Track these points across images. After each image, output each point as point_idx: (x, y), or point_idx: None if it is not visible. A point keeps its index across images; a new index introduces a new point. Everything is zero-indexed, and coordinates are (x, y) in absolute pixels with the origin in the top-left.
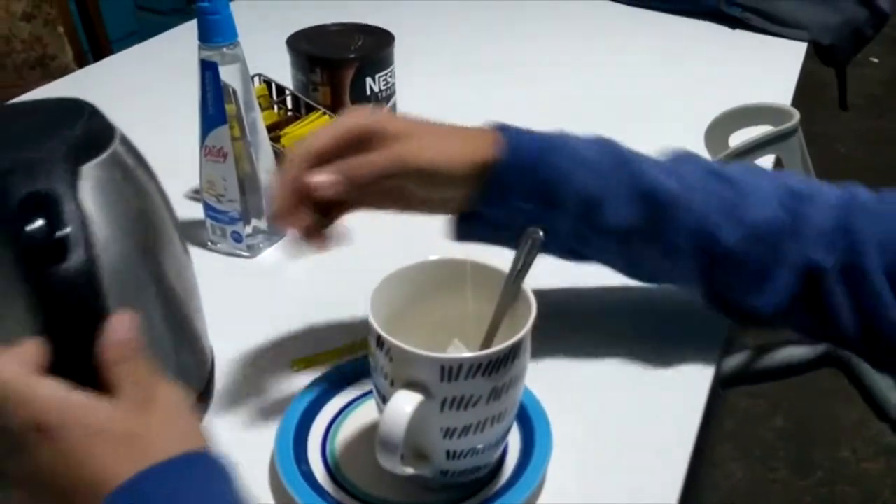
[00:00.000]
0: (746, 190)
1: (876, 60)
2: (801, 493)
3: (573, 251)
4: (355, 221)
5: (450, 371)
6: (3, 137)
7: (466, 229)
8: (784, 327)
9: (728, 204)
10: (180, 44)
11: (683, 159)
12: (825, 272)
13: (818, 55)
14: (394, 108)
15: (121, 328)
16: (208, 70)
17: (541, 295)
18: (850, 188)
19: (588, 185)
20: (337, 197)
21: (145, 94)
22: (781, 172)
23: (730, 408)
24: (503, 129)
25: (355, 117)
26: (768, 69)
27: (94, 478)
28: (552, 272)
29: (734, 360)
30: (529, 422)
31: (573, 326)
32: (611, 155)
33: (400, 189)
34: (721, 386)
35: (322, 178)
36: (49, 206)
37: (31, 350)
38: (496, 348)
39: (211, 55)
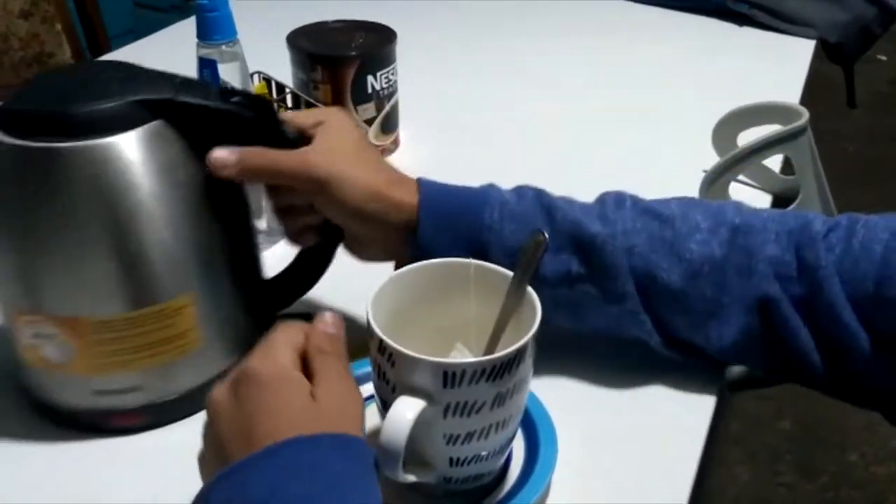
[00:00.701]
0: (683, 228)
1: (884, 58)
2: (808, 496)
3: None
4: None
5: (453, 377)
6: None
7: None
8: (749, 366)
9: (666, 243)
10: (179, 41)
11: (614, 202)
12: (780, 305)
13: (826, 53)
14: (395, 105)
15: (329, 324)
16: (207, 68)
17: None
18: (803, 216)
19: (518, 238)
20: (236, 179)
21: None
22: (719, 204)
23: (736, 411)
24: (424, 184)
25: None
26: (776, 67)
27: (270, 429)
28: None
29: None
30: (534, 427)
31: (578, 330)
32: (538, 204)
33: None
34: (729, 389)
35: (219, 154)
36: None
37: (301, 333)
38: (500, 353)
39: (209, 53)
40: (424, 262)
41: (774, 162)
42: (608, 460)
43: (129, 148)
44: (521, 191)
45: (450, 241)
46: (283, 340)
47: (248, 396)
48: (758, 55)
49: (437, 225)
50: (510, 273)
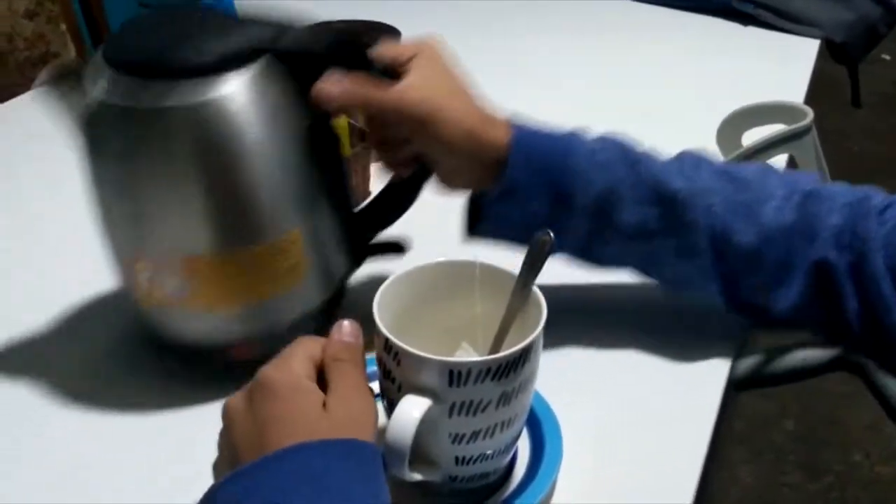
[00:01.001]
0: (759, 191)
1: (888, 58)
2: (813, 496)
3: (587, 252)
4: None
5: (458, 375)
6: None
7: (478, 226)
8: (801, 328)
9: (742, 205)
10: None
11: (695, 160)
12: (836, 270)
13: (830, 52)
14: None
15: (345, 332)
16: None
17: (551, 297)
18: (866, 190)
19: (601, 187)
20: (339, 108)
21: None
22: (793, 172)
23: (741, 410)
24: (515, 126)
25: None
26: (781, 66)
27: (281, 437)
28: (562, 274)
29: (746, 363)
30: (539, 426)
31: (584, 329)
32: (622, 155)
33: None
34: (734, 389)
35: (323, 87)
36: None
37: (318, 345)
38: (506, 352)
39: None
40: (430, 261)
41: (779, 161)
42: (613, 459)
43: (238, 90)
44: (605, 140)
45: (536, 183)
46: (300, 351)
47: (261, 405)
48: (762, 55)
49: (525, 168)
50: (515, 272)
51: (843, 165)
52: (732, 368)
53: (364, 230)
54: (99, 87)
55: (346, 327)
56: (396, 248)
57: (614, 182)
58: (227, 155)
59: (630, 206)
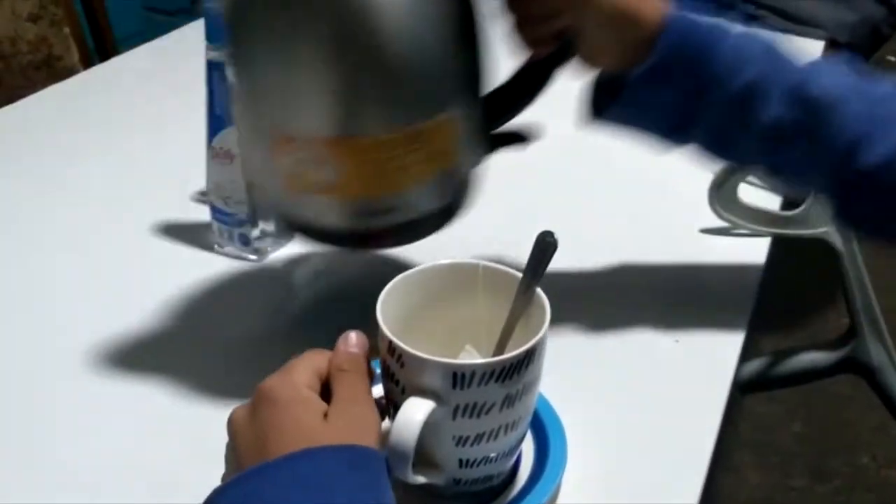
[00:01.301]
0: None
1: (893, 59)
2: (820, 500)
3: (716, 146)
4: None
5: (462, 378)
6: None
7: (608, 110)
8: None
9: (879, 120)
10: (187, 44)
11: (836, 68)
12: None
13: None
14: None
15: (351, 343)
16: (215, 70)
17: (554, 299)
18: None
19: (744, 82)
20: None
21: (152, 95)
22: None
23: (747, 413)
24: (669, 4)
25: None
26: None
27: (281, 447)
28: (566, 275)
29: (752, 366)
30: (543, 429)
31: (588, 331)
32: (767, 51)
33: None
34: (740, 392)
35: None
36: None
37: (324, 357)
38: (510, 354)
39: (218, 56)
40: (432, 263)
41: None
42: (617, 462)
43: None
44: (750, 35)
45: (682, 68)
46: (304, 363)
47: (263, 415)
48: None
49: (676, 50)
50: (518, 274)
51: None
52: (737, 372)
53: (495, 117)
54: None
55: (352, 338)
56: (521, 138)
57: (757, 78)
58: (379, 31)
59: (770, 105)
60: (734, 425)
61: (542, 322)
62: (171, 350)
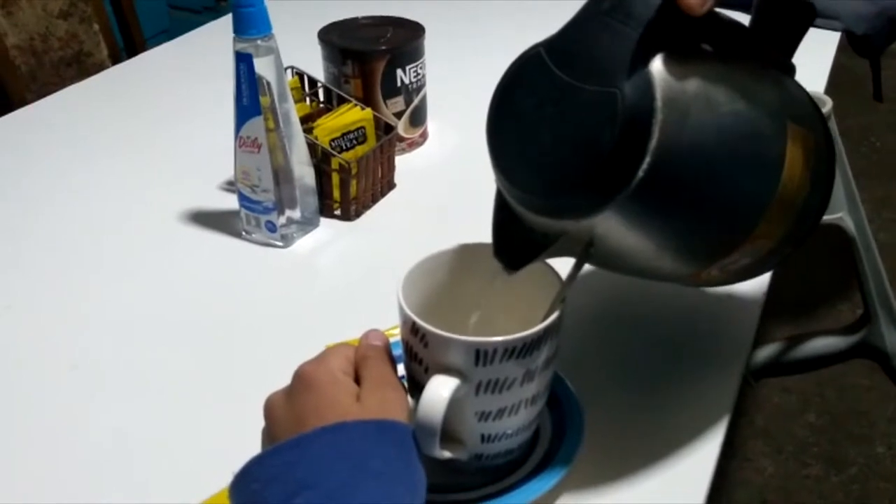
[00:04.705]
0: None
1: None
2: (835, 488)
3: None
4: (389, 212)
5: (485, 355)
6: None
7: None
8: None
9: None
10: (212, 39)
11: None
12: None
13: (851, 45)
14: (424, 99)
15: (372, 337)
16: (243, 62)
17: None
18: None
19: None
20: None
21: (179, 89)
22: None
23: (761, 404)
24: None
25: None
26: (800, 59)
27: (312, 421)
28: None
29: (765, 352)
30: (561, 407)
31: (601, 313)
32: None
33: None
34: (753, 377)
35: None
36: None
37: (351, 349)
38: (529, 331)
39: (245, 47)
40: (450, 246)
41: None
42: (631, 442)
43: None
44: None
45: None
46: (337, 351)
47: (299, 398)
48: None
49: None
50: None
51: (865, 161)
52: (750, 357)
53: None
54: None
55: (372, 334)
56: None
57: None
58: None
59: None
60: (749, 416)
61: (559, 300)
62: (200, 333)
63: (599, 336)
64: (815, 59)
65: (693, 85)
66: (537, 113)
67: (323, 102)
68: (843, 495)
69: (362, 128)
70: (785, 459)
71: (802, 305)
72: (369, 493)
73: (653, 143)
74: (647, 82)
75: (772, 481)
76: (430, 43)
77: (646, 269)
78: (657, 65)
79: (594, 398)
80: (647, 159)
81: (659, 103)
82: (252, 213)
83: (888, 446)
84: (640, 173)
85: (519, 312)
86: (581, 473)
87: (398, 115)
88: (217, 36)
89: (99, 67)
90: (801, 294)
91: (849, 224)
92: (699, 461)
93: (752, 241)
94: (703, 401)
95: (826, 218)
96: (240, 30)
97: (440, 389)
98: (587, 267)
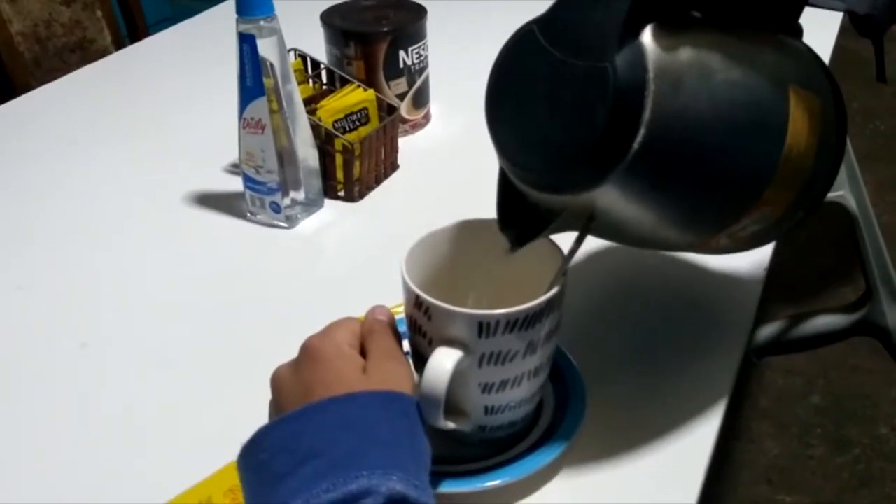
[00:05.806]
0: None
1: None
2: (838, 469)
3: None
4: (392, 193)
5: (488, 327)
6: None
7: None
8: None
9: None
10: (215, 25)
11: None
12: None
13: (854, 25)
14: (427, 80)
15: (377, 312)
16: (246, 43)
17: (575, 262)
18: None
19: None
20: None
21: (182, 73)
22: None
23: (765, 385)
24: None
25: None
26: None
27: (319, 393)
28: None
29: (768, 330)
30: (564, 381)
31: (603, 291)
32: None
33: None
34: (756, 356)
35: None
36: None
37: (357, 323)
38: (532, 303)
39: (249, 28)
40: (453, 222)
41: None
42: (632, 419)
43: None
44: None
45: None
46: (342, 324)
47: (306, 370)
48: None
49: None
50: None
51: (870, 145)
52: (753, 334)
53: None
54: None
55: (378, 310)
56: None
57: None
58: None
59: None
60: (754, 397)
61: (562, 272)
62: (206, 312)
63: (602, 312)
64: (817, 41)
65: (685, 54)
66: (533, 91)
67: (326, 84)
68: (846, 476)
69: (365, 109)
70: (789, 441)
71: (804, 287)
72: (376, 462)
73: (646, 115)
74: (639, 55)
75: (776, 462)
76: (432, 24)
77: (652, 239)
78: (647, 36)
79: (597, 373)
80: (642, 131)
81: (651, 75)
82: (257, 195)
83: (891, 427)
84: (636, 146)
85: (522, 287)
86: (583, 447)
87: (401, 97)
88: (219, 21)
89: (102, 54)
90: (803, 275)
91: (850, 202)
92: (700, 437)
93: (760, 208)
94: (705, 376)
95: (828, 196)
96: (243, 11)
97: (444, 361)
98: (591, 244)
